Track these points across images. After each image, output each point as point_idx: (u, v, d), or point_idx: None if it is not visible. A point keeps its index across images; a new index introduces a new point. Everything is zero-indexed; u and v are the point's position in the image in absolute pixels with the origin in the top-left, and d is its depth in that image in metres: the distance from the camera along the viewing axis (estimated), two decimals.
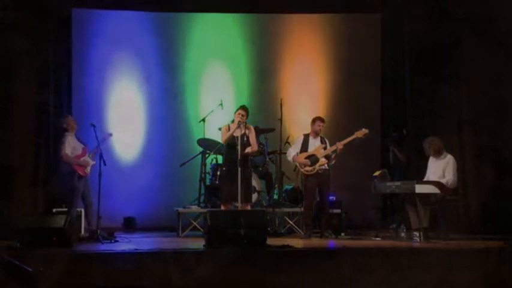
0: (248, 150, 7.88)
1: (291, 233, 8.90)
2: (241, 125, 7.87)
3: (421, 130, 9.27)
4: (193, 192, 9.40)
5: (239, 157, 7.71)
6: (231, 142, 7.92)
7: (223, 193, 7.97)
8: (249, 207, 7.93)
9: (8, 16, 8.55)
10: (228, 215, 7.15)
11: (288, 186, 9.43)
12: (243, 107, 8.03)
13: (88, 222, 8.17)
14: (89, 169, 8.19)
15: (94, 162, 8.21)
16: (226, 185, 7.91)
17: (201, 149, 9.45)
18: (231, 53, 10.59)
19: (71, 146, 8.17)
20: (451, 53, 9.27)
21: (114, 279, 5.83)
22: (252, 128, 8.08)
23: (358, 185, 9.44)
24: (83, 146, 8.25)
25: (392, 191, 8.06)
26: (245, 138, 7.91)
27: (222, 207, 7.92)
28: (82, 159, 8.14)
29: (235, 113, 8.01)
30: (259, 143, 9.05)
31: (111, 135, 8.72)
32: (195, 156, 9.54)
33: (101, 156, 7.88)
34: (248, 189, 7.96)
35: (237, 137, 7.82)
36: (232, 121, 8.05)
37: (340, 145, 8.31)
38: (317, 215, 8.49)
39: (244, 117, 7.95)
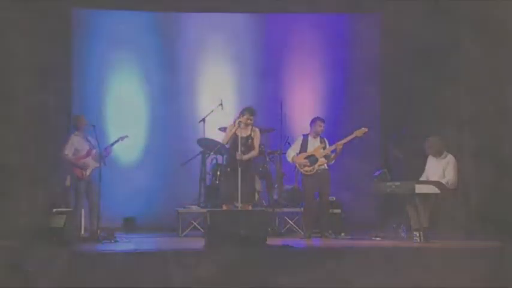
0: (246, 157, 7.75)
1: (291, 233, 8.90)
2: (242, 125, 7.81)
3: (421, 130, 9.26)
4: (193, 192, 9.40)
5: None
6: (234, 142, 7.89)
7: (224, 193, 7.94)
8: (250, 208, 7.90)
9: (8, 16, 8.54)
10: (228, 215, 7.16)
11: (288, 186, 9.43)
12: (251, 111, 7.87)
13: (91, 223, 8.14)
14: (88, 172, 8.15)
15: (97, 165, 8.15)
16: (227, 185, 7.88)
17: (201, 149, 9.46)
18: (231, 52, 10.58)
19: (73, 147, 8.16)
20: (451, 53, 9.26)
21: (114, 279, 5.83)
22: (257, 132, 7.96)
23: (358, 185, 9.45)
24: (89, 148, 8.21)
25: (392, 191, 8.05)
26: (249, 140, 7.87)
27: (223, 207, 7.90)
28: (82, 161, 8.10)
29: (242, 115, 7.84)
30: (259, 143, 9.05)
31: (126, 136, 8.65)
32: (195, 156, 9.54)
33: (100, 156, 7.88)
34: (251, 190, 7.92)
35: (240, 137, 7.78)
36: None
37: (339, 144, 8.30)
38: (317, 215, 8.48)
39: (252, 121, 7.86)
